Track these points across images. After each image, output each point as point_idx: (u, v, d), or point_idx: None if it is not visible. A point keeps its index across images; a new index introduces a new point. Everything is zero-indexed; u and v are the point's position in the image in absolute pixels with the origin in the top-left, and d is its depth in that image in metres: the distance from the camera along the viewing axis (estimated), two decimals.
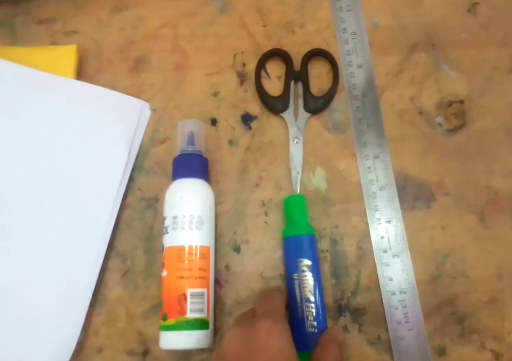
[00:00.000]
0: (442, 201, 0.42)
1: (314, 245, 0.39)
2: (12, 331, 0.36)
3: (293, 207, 0.40)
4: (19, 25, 0.46)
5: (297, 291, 0.37)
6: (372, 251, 0.40)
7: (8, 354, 0.35)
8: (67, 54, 0.43)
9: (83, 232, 0.38)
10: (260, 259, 0.40)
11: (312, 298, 0.37)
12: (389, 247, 0.40)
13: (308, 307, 0.36)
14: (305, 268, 0.37)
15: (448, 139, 0.44)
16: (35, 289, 0.37)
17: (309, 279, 0.37)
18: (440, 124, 0.44)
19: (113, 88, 0.43)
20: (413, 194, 0.42)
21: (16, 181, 0.39)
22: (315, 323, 0.36)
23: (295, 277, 0.37)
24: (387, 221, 0.41)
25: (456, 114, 0.44)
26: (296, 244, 0.38)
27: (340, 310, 0.39)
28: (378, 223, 0.41)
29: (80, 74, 0.44)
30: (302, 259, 0.37)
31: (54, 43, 0.46)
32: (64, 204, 0.39)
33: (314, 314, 0.36)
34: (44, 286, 0.37)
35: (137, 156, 0.42)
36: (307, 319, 0.36)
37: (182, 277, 0.34)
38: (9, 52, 0.42)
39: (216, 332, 0.37)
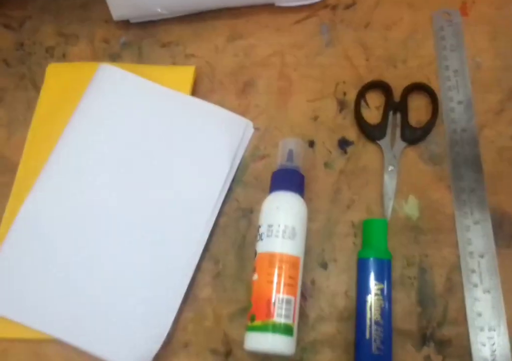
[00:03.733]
0: None
1: (390, 270, 0.39)
2: (110, 316, 0.38)
3: (373, 230, 0.40)
4: (145, 47, 0.52)
5: (367, 312, 0.37)
6: (462, 284, 0.40)
7: (104, 335, 0.38)
8: (186, 74, 0.48)
9: (183, 234, 0.41)
10: (345, 279, 0.41)
11: (382, 321, 0.37)
12: (480, 282, 0.39)
13: (377, 330, 0.37)
14: (378, 291, 0.38)
15: None
16: (135, 281, 0.40)
17: (381, 302, 0.37)
18: None
19: (222, 107, 0.47)
20: (509, 232, 0.41)
21: (126, 183, 0.43)
22: (382, 347, 0.36)
23: (367, 299, 0.38)
24: (479, 256, 0.40)
25: None
26: (372, 267, 0.39)
27: (424, 339, 0.38)
28: (471, 257, 0.40)
29: (195, 92, 0.48)
30: (377, 282, 0.38)
31: (174, 64, 0.51)
32: (168, 207, 0.42)
33: (382, 337, 0.36)
34: (144, 281, 0.40)
35: (238, 169, 0.45)
36: (375, 341, 0.36)
37: (272, 282, 0.36)
38: (136, 69, 0.48)
39: (297, 343, 0.37)
